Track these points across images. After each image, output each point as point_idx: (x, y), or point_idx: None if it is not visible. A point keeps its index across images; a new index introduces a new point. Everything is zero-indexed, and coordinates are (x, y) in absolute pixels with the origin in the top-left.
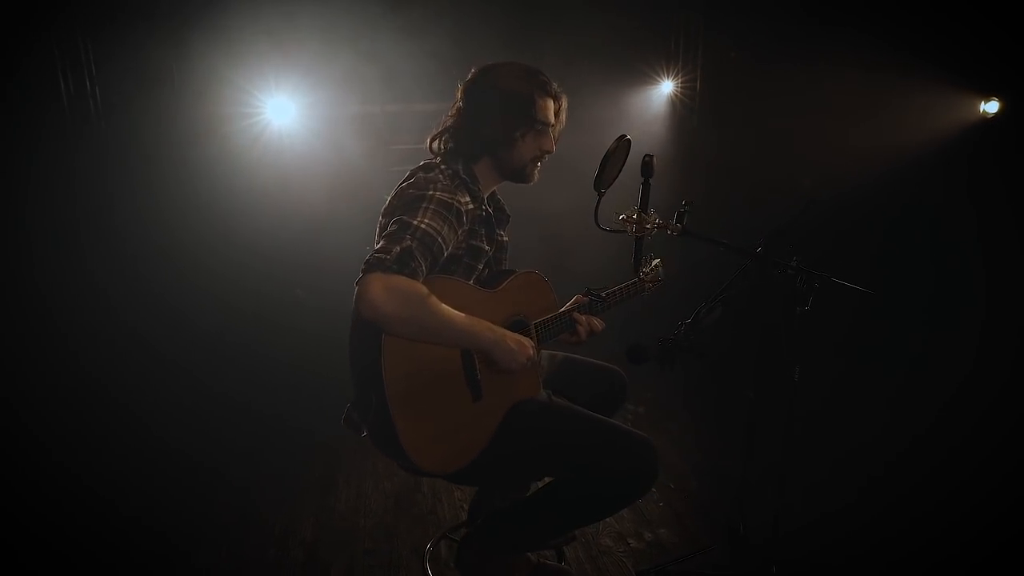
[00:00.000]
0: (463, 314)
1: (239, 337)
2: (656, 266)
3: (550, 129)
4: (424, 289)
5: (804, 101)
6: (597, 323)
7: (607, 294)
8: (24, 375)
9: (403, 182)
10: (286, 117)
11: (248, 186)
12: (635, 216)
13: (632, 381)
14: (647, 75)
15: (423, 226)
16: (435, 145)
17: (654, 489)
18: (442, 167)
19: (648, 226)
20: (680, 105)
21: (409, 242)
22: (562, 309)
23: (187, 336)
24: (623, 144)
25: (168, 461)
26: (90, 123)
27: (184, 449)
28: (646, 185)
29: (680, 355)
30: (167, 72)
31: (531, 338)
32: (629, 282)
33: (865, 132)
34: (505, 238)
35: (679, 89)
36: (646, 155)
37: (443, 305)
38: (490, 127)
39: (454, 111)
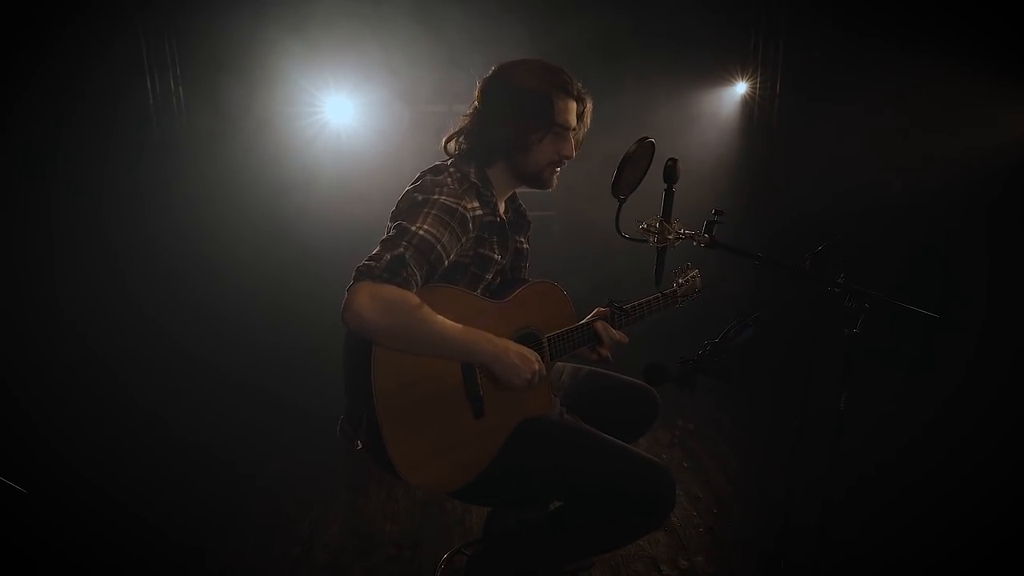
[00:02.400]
0: (461, 326)
1: (280, 337)
2: (693, 277)
3: (571, 133)
4: (415, 299)
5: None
6: (618, 335)
7: (631, 307)
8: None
9: (411, 184)
10: (345, 116)
11: (306, 184)
12: (656, 225)
13: (680, 396)
14: (720, 74)
15: (421, 232)
16: (450, 146)
17: (695, 512)
18: (451, 170)
19: (670, 236)
20: (756, 108)
21: (402, 249)
22: (581, 322)
23: (227, 334)
24: (645, 147)
25: (202, 457)
26: (173, 122)
27: (222, 445)
28: (669, 192)
29: (702, 378)
30: (238, 69)
31: (543, 352)
32: (655, 295)
33: (950, 144)
34: (525, 245)
35: (755, 91)
36: (670, 159)
37: (437, 316)
38: (504, 129)
39: (471, 111)
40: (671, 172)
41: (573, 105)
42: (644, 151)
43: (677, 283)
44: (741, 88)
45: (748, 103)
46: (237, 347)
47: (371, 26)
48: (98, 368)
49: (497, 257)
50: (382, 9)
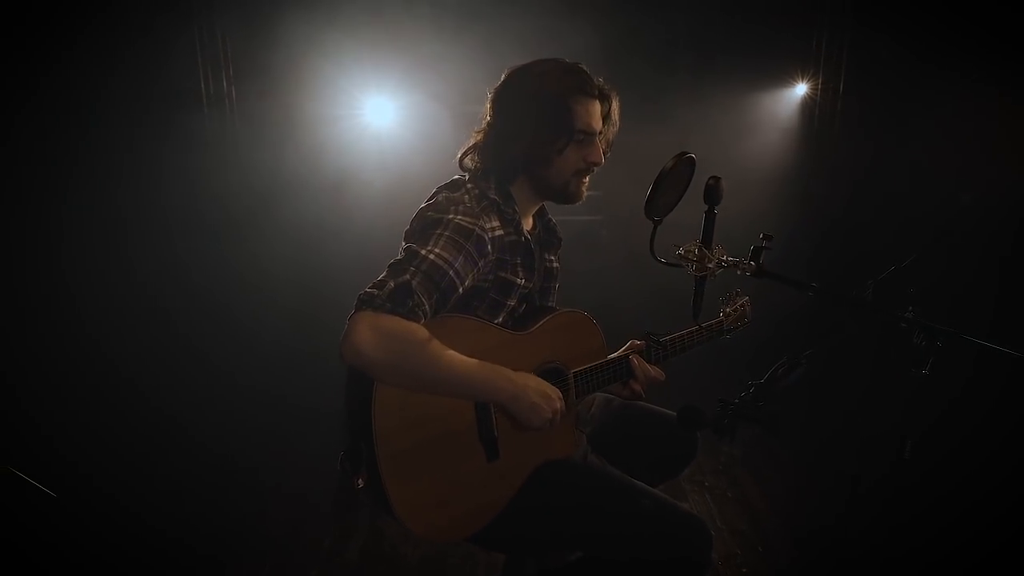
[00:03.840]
0: (475, 361)
1: (313, 345)
2: (742, 305)
3: (596, 137)
4: (422, 332)
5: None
6: (654, 372)
7: (668, 339)
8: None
9: (426, 202)
10: (385, 118)
11: (346, 187)
12: (695, 251)
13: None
14: (777, 75)
15: (431, 257)
16: (466, 162)
17: (737, 549)
18: (469, 186)
19: (711, 264)
20: (818, 111)
21: (409, 276)
22: (612, 356)
23: (257, 341)
24: (684, 163)
25: (226, 467)
26: (225, 123)
27: (245, 454)
28: (710, 214)
29: (743, 425)
30: (286, 71)
31: (569, 389)
32: (695, 327)
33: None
34: (555, 263)
35: (817, 93)
36: (711, 178)
37: (447, 351)
38: (520, 143)
39: (484, 125)
40: (713, 192)
41: (595, 106)
42: (683, 168)
43: (724, 312)
44: (800, 90)
45: (808, 105)
46: (267, 356)
47: (411, 26)
48: (123, 377)
49: (520, 281)
50: (423, 9)
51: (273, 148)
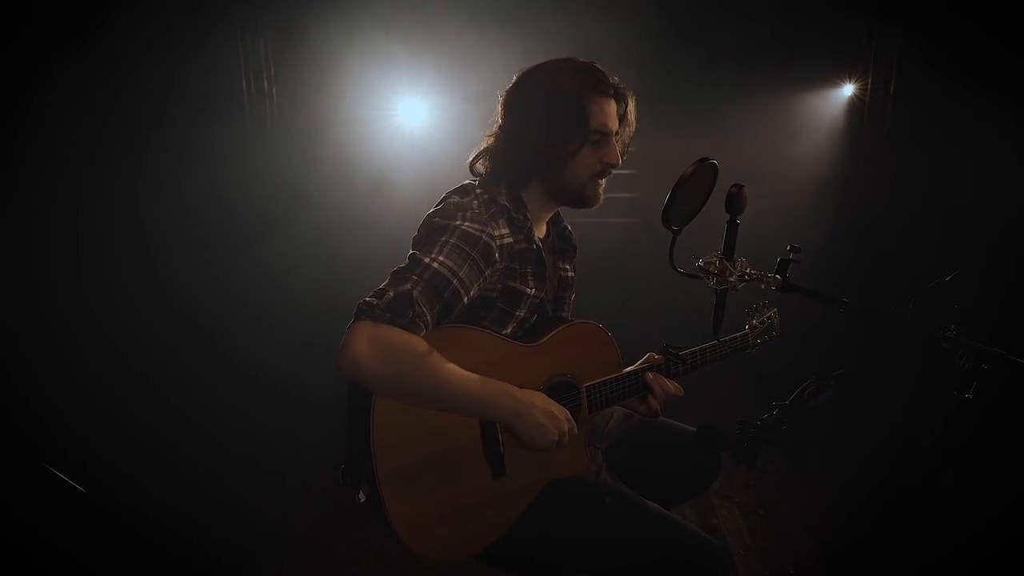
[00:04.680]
0: (477, 376)
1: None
2: (770, 318)
3: (612, 138)
4: (421, 345)
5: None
6: (672, 387)
7: (688, 353)
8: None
9: (435, 207)
10: (417, 118)
11: (379, 188)
12: (716, 264)
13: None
14: (824, 74)
15: (435, 265)
16: (478, 166)
17: (767, 570)
18: (478, 191)
19: (732, 278)
20: (867, 113)
21: (410, 286)
22: (627, 369)
23: (284, 343)
24: (705, 169)
25: (250, 469)
26: (265, 123)
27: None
28: (732, 224)
29: (765, 449)
30: (323, 70)
31: (580, 404)
32: (718, 340)
33: None
34: (570, 272)
35: (865, 93)
36: (734, 185)
37: (447, 365)
38: (533, 146)
39: (495, 129)
40: (735, 201)
41: (611, 105)
42: (704, 175)
43: (750, 324)
44: (848, 90)
45: (855, 107)
46: (293, 356)
47: (445, 27)
48: (145, 378)
49: (530, 291)
50: (460, 11)
51: (310, 148)
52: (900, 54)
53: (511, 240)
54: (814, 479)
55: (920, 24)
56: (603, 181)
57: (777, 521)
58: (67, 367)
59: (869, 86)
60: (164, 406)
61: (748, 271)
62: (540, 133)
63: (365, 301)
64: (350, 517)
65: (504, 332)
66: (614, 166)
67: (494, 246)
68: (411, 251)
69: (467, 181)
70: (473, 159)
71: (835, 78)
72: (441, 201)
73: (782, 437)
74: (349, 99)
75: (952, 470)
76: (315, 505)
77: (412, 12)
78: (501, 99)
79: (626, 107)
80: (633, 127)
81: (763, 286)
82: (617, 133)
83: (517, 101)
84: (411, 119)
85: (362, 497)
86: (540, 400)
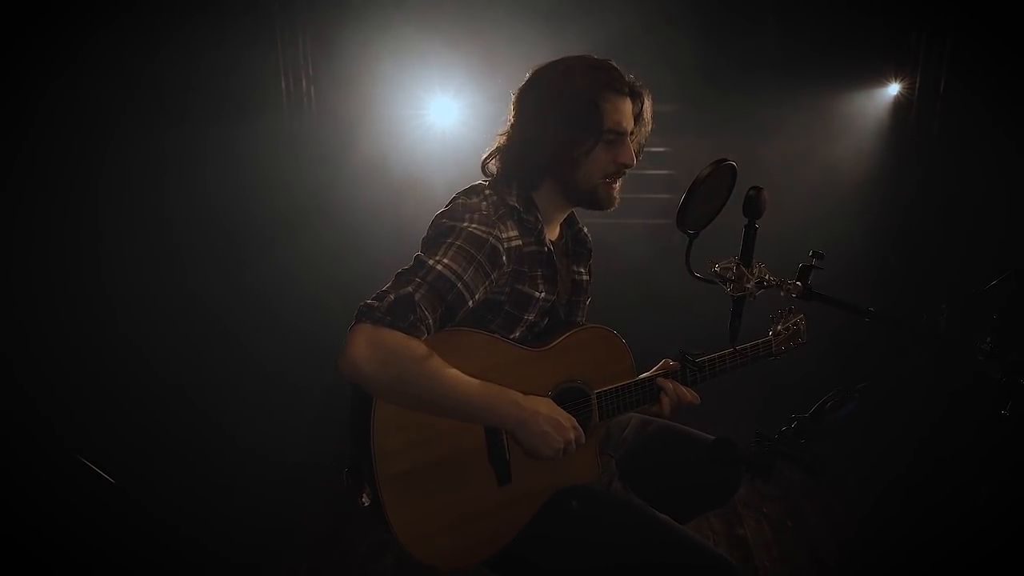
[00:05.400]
0: (479, 382)
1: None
2: (796, 324)
3: (627, 137)
4: (421, 349)
5: None
6: (688, 395)
7: (704, 360)
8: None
9: (444, 207)
10: (449, 118)
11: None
12: (733, 269)
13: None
14: (868, 73)
15: (439, 268)
16: (489, 166)
17: None
18: (487, 192)
19: (749, 284)
20: (915, 113)
21: (412, 288)
22: (642, 376)
23: (310, 342)
24: (723, 170)
25: (268, 466)
26: (303, 123)
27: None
28: (750, 229)
29: (782, 463)
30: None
31: (591, 411)
32: (739, 346)
33: None
34: (584, 276)
35: (913, 93)
36: (752, 188)
37: (449, 370)
38: (546, 145)
39: (508, 127)
40: (754, 204)
41: (625, 104)
42: (721, 177)
43: (775, 330)
44: (893, 90)
45: (902, 108)
46: (319, 357)
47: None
48: (169, 379)
49: (540, 294)
50: (488, 9)
51: (340, 149)
52: (951, 53)
53: (520, 242)
54: (846, 491)
55: (973, 21)
56: (618, 182)
57: (806, 534)
58: (92, 365)
59: (918, 85)
60: (188, 405)
61: (767, 277)
62: (552, 132)
63: (366, 303)
64: (370, 516)
65: (512, 336)
66: (628, 167)
67: (501, 248)
68: (418, 252)
69: (476, 182)
70: (485, 159)
71: (881, 77)
72: (451, 201)
73: (800, 451)
74: (381, 98)
75: (986, 489)
76: (335, 504)
77: (445, 10)
78: (513, 97)
79: (642, 106)
80: (649, 126)
81: (783, 293)
82: (632, 133)
83: (529, 99)
84: (443, 118)
85: (366, 501)
86: (545, 407)
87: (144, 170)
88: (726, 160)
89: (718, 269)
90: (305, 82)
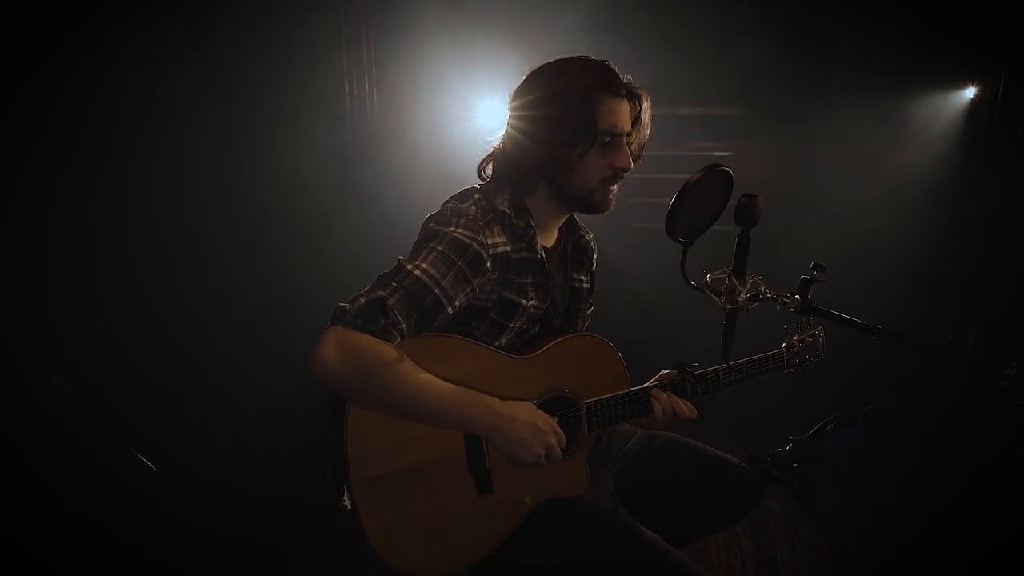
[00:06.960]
0: (453, 387)
1: None
2: (813, 336)
3: (624, 139)
4: (391, 352)
5: None
6: (685, 408)
7: (704, 372)
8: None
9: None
10: (496, 120)
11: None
12: (725, 280)
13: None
14: (944, 75)
15: (416, 272)
16: (486, 171)
17: None
18: (477, 196)
19: (741, 297)
20: (996, 117)
21: (386, 292)
22: (642, 386)
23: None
24: (715, 177)
25: (281, 464)
26: (366, 124)
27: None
28: (743, 238)
29: (772, 486)
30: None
31: (580, 421)
32: (748, 358)
33: None
34: (585, 284)
35: (996, 96)
36: (744, 195)
37: (421, 374)
38: (539, 147)
39: (503, 130)
40: (746, 212)
41: (623, 106)
42: (713, 182)
43: (789, 342)
44: (968, 93)
45: (976, 111)
46: None
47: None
48: (207, 374)
49: (528, 302)
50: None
51: (407, 147)
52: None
53: (508, 248)
54: (886, 515)
55: None
56: (614, 186)
57: (841, 559)
58: (123, 362)
59: (1002, 89)
60: (226, 404)
61: (762, 290)
62: (546, 134)
63: (339, 306)
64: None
65: (497, 343)
66: (625, 170)
67: (485, 255)
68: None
69: (469, 186)
70: (481, 163)
71: (957, 79)
72: (442, 206)
73: (790, 476)
74: (430, 100)
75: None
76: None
77: (498, 12)
78: (508, 99)
79: (640, 108)
80: (648, 129)
81: (779, 307)
82: (629, 135)
83: (523, 101)
84: (491, 121)
85: (347, 504)
86: (524, 413)
87: (219, 165)
88: (720, 165)
89: (709, 280)
90: (368, 84)
